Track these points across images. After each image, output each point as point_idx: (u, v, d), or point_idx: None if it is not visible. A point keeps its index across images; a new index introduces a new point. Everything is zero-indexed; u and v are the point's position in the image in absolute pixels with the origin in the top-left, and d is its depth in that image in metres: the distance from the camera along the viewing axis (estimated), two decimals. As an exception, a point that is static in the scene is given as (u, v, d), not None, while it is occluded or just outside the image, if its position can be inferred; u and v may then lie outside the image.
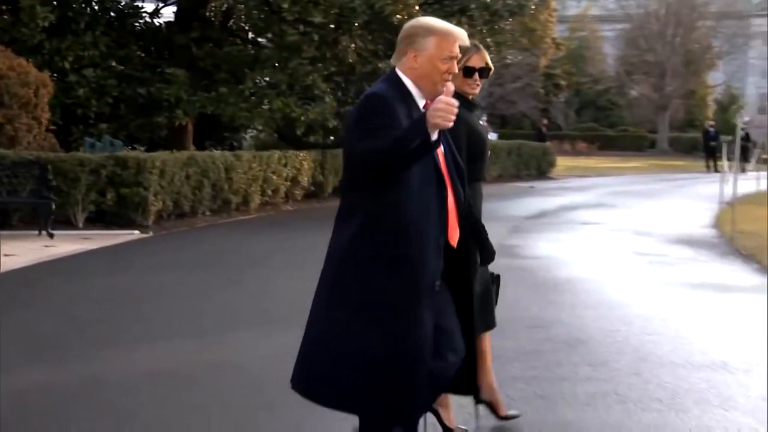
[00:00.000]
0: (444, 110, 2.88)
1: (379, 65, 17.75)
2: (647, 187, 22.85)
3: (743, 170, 22.92)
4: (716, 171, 27.30)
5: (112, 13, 17.94)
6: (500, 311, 7.28)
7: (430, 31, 3.14)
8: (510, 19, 20.34)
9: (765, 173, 22.40)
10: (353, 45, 17.05)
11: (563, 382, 5.11)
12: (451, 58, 3.15)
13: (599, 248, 10.60)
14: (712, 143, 32.51)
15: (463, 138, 4.02)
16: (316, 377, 3.18)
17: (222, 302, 7.69)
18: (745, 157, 26.05)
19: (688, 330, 6.55)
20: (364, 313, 3.07)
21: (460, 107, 4.11)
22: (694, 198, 19.38)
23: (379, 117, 3.01)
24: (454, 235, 3.27)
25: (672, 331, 6.48)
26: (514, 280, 8.85)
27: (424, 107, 3.16)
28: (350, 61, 17.22)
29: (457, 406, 4.19)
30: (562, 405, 4.69)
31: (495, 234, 15.32)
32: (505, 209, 17.03)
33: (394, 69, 3.23)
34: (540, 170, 27.72)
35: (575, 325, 6.55)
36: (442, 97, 2.92)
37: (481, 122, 4.50)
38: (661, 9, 45.49)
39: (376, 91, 3.14)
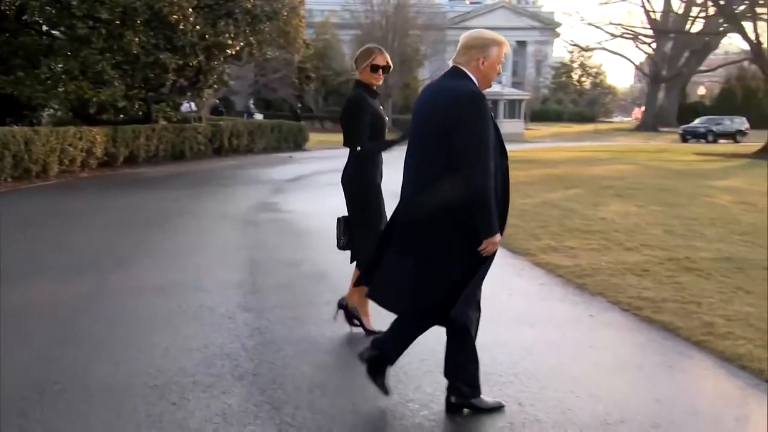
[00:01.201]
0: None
1: (160, 56, 16.80)
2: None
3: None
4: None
5: None
6: (263, 253, 7.26)
7: (494, 42, 3.21)
8: (268, 23, 19.99)
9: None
10: (137, 39, 15.96)
11: (310, 306, 5.17)
12: (502, 62, 3.27)
13: (341, 203, 10.79)
14: (422, 122, 34.20)
15: (369, 117, 4.29)
16: (410, 297, 3.25)
17: (24, 253, 6.99)
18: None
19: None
20: (447, 253, 3.16)
21: (366, 95, 4.20)
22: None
23: (484, 121, 3.07)
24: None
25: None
26: (275, 229, 8.84)
27: None
28: (135, 52, 16.13)
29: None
30: (308, 323, 4.75)
31: (260, 194, 14.97)
32: (269, 174, 16.90)
33: (460, 68, 3.20)
34: (296, 143, 27.67)
35: (320, 263, 6.62)
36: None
37: (381, 107, 4.61)
38: (383, 20, 46.86)
39: (475, 91, 3.13)
